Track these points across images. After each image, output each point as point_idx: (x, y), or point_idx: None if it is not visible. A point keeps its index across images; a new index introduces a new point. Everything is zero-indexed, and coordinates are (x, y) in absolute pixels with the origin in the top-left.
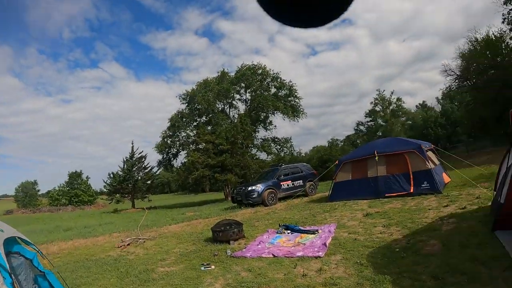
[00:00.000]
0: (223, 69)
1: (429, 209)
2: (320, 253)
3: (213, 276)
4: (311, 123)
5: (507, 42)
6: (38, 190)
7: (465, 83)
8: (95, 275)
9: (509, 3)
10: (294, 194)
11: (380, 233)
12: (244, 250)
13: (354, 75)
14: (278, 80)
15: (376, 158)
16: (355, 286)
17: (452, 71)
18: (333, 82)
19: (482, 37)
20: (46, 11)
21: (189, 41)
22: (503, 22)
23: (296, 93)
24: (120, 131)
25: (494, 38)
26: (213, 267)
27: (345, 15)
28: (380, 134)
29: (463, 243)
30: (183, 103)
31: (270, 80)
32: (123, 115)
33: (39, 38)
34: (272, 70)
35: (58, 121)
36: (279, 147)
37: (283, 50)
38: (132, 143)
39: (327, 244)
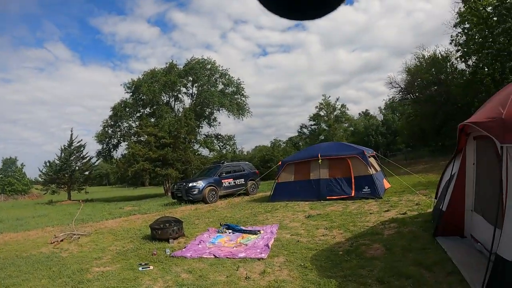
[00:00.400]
0: (172, 61)
1: (370, 213)
2: (263, 254)
3: (152, 277)
4: (255, 122)
5: (452, 62)
6: None
7: (408, 96)
8: (25, 275)
9: (458, 26)
10: (236, 193)
11: (323, 235)
12: (184, 249)
13: (302, 79)
14: (227, 77)
15: (320, 161)
16: None
17: (397, 83)
18: (281, 83)
19: (429, 55)
20: None
21: (140, 29)
22: (450, 43)
23: (243, 91)
24: (60, 117)
25: (440, 57)
26: (151, 267)
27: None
28: (323, 138)
29: (406, 248)
30: (127, 92)
31: (218, 76)
32: (64, 101)
33: None
34: (221, 66)
35: None
36: (222, 144)
37: (234, 48)
38: (71, 131)
39: (270, 246)
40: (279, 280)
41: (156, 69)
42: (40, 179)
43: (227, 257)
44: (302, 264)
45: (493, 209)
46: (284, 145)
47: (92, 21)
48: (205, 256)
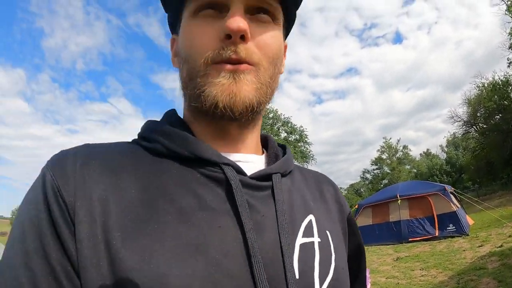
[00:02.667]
0: None
1: (464, 250)
2: None
3: None
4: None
5: None
6: None
7: (472, 128)
8: None
9: None
10: None
11: (422, 276)
12: None
13: (358, 124)
14: (289, 124)
15: (399, 201)
16: None
17: (458, 117)
18: (337, 130)
19: (489, 82)
20: (63, 41)
21: None
22: (508, 66)
23: (306, 139)
24: None
25: (500, 82)
26: None
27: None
28: (386, 182)
29: None
30: None
31: (280, 124)
32: None
33: (54, 66)
34: (284, 115)
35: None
36: None
37: (290, 98)
38: None
39: None
40: None
41: None
42: None
43: None
44: None
45: None
46: (346, 192)
47: (153, 78)
48: None
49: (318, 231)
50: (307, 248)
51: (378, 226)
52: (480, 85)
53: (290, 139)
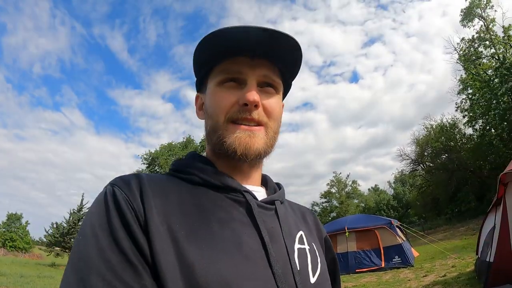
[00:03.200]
0: (189, 136)
1: (409, 280)
2: None
3: None
4: None
5: (460, 128)
6: None
7: (419, 166)
8: None
9: (462, 93)
10: None
11: None
12: None
13: (310, 157)
14: None
15: (347, 233)
16: None
17: (406, 155)
18: (289, 162)
19: (437, 124)
20: (24, 41)
21: (154, 104)
22: (456, 110)
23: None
24: (68, 181)
25: (448, 125)
26: None
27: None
28: (335, 215)
29: None
30: (143, 163)
31: None
32: (74, 166)
33: (10, 66)
34: None
35: (6, 156)
36: None
37: None
38: (83, 196)
39: None
40: None
41: (173, 143)
42: (44, 240)
43: None
44: None
45: None
46: None
47: (109, 92)
48: None
49: (307, 242)
50: (302, 251)
51: None
52: (429, 127)
53: None
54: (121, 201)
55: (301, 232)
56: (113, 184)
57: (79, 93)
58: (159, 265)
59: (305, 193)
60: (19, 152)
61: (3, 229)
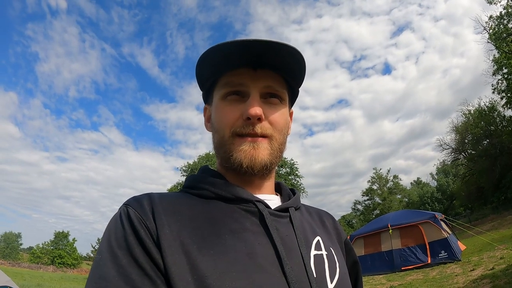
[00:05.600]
0: None
1: (456, 275)
2: None
3: None
4: (306, 203)
5: (499, 111)
6: (21, 244)
7: (460, 155)
8: None
9: (497, 73)
10: None
11: None
12: None
13: (349, 155)
14: None
15: (390, 231)
16: None
17: (447, 145)
18: (328, 162)
19: (475, 109)
20: (56, 67)
21: (189, 116)
22: (493, 92)
23: (297, 172)
24: (110, 198)
25: (486, 108)
26: None
27: (343, 96)
28: (378, 212)
29: None
30: (183, 175)
31: None
32: (116, 182)
33: (46, 92)
34: None
35: (50, 177)
36: None
37: None
38: None
39: None
40: None
41: (211, 153)
42: (92, 255)
43: None
44: None
45: None
46: None
47: (144, 108)
48: None
49: (324, 247)
50: (319, 258)
51: (370, 256)
52: (467, 112)
53: (280, 172)
54: (135, 220)
55: (318, 238)
56: (127, 204)
57: (115, 111)
58: (172, 278)
59: (346, 192)
60: (62, 173)
61: (52, 247)
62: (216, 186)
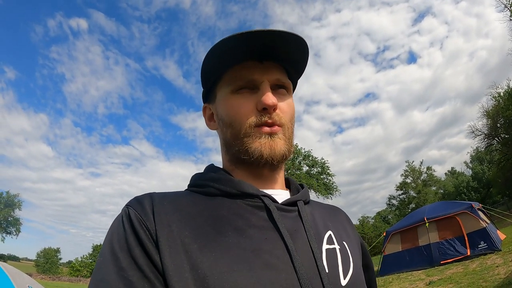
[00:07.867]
0: None
1: (497, 266)
2: None
3: None
4: (340, 202)
5: None
6: (60, 258)
7: (494, 140)
8: None
9: None
10: None
11: None
12: None
13: (381, 150)
14: (310, 158)
15: (427, 224)
16: None
17: (479, 131)
18: (360, 158)
19: (504, 91)
20: (83, 86)
21: None
22: None
23: (328, 170)
24: None
25: None
26: None
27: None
28: (414, 206)
29: None
30: None
31: (301, 158)
32: None
33: (75, 111)
34: (304, 149)
35: (85, 193)
36: None
37: (310, 130)
38: None
39: None
40: None
41: None
42: None
43: None
44: None
45: None
46: (373, 221)
47: (172, 119)
48: None
49: (337, 241)
50: (331, 252)
51: (408, 252)
52: (497, 96)
53: (312, 172)
54: (135, 220)
55: (330, 232)
56: (128, 205)
57: (144, 124)
58: (171, 278)
59: (381, 187)
60: (96, 188)
61: (90, 260)
62: (220, 182)
